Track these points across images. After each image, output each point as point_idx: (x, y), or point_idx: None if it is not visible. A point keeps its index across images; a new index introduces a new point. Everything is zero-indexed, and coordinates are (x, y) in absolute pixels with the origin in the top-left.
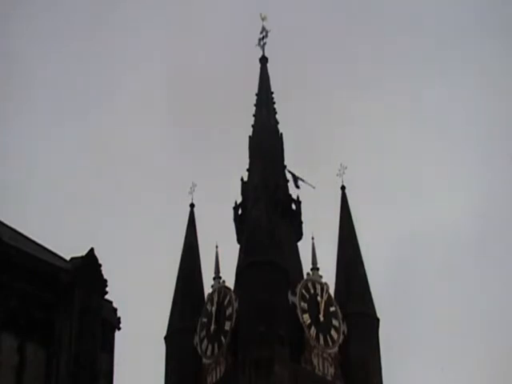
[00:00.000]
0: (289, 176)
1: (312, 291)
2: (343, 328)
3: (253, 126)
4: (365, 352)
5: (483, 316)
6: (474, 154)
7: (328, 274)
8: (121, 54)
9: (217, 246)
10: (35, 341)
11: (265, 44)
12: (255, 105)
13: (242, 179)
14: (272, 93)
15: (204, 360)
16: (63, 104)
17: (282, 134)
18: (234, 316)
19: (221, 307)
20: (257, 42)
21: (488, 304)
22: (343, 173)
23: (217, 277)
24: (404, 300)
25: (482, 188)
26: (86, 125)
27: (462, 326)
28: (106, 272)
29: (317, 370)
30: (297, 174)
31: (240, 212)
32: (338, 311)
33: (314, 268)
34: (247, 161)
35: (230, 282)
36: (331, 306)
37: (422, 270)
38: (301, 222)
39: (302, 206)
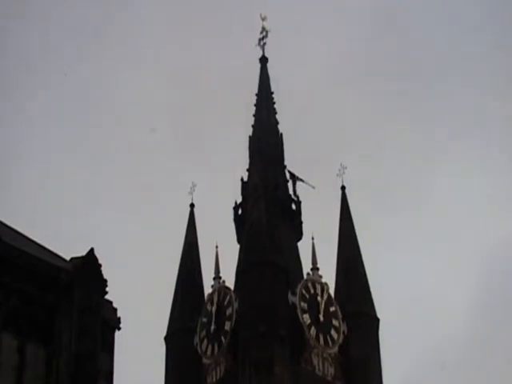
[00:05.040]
0: (288, 176)
1: (312, 291)
2: (343, 328)
3: (253, 126)
4: (365, 352)
5: (481, 312)
6: (474, 153)
7: (328, 274)
8: (121, 54)
9: (217, 246)
10: (35, 341)
11: (265, 44)
12: (255, 105)
13: (241, 179)
14: (272, 93)
15: (204, 360)
16: (63, 103)
17: (281, 134)
18: (234, 316)
19: (221, 307)
20: (257, 41)
21: (487, 299)
22: (343, 173)
23: (217, 277)
24: (404, 300)
25: (482, 188)
26: (86, 124)
27: (461, 326)
28: (106, 272)
29: (317, 370)
30: (297, 174)
31: (240, 212)
32: (338, 311)
33: (314, 268)
34: (247, 161)
35: (230, 282)
36: (331, 306)
37: (422, 267)
38: (301, 222)
39: (302, 205)
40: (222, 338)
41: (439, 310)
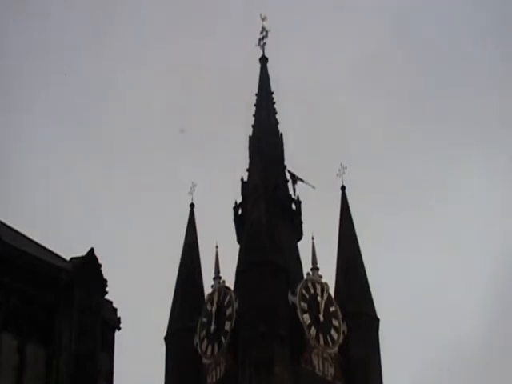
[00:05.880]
0: (288, 176)
1: (312, 291)
2: (343, 328)
3: (253, 126)
4: (365, 352)
5: (481, 311)
6: (473, 152)
7: (328, 274)
8: (121, 54)
9: (217, 246)
10: (35, 341)
11: (265, 44)
12: (255, 105)
13: (241, 179)
14: (272, 93)
15: (204, 360)
16: (63, 103)
17: (281, 134)
18: (234, 316)
19: (221, 307)
20: (257, 41)
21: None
22: (343, 173)
23: (217, 277)
24: (404, 300)
25: (482, 188)
26: (87, 125)
27: (461, 325)
28: (106, 272)
29: (317, 370)
30: (297, 174)
31: (240, 212)
32: (338, 311)
33: (314, 268)
34: (247, 161)
35: (230, 282)
36: (331, 306)
37: (422, 267)
38: (301, 222)
39: (302, 205)
40: (222, 338)
41: (439, 310)
